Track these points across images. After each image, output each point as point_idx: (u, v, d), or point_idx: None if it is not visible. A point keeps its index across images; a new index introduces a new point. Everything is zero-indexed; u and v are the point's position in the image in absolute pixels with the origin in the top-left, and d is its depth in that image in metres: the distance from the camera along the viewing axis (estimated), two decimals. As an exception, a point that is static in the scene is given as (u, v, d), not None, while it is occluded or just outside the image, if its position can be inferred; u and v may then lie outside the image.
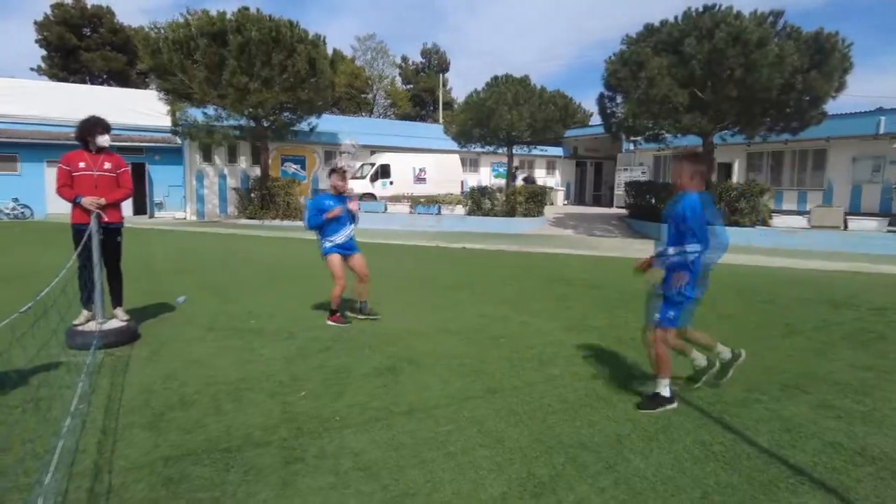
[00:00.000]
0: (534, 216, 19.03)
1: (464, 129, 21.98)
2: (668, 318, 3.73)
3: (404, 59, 56.39)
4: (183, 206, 24.16)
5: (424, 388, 4.10)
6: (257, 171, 23.15)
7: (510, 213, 18.59)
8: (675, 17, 15.38)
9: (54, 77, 40.14)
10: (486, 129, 21.19)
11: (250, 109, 19.75)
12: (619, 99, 17.21)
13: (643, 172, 25.61)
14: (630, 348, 5.12)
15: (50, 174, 22.50)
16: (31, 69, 42.14)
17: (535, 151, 27.19)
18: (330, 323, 5.78)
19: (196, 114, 20.62)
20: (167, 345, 4.98)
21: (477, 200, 19.16)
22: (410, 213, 19.86)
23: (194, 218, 23.69)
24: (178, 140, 22.92)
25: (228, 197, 24.28)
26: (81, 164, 5.03)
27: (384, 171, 23.99)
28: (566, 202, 31.03)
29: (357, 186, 23.41)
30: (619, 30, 76.81)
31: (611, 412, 3.69)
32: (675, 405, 3.73)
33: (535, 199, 19.23)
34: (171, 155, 24.54)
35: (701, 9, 14.88)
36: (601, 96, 17.65)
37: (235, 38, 18.45)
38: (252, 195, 21.83)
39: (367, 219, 19.69)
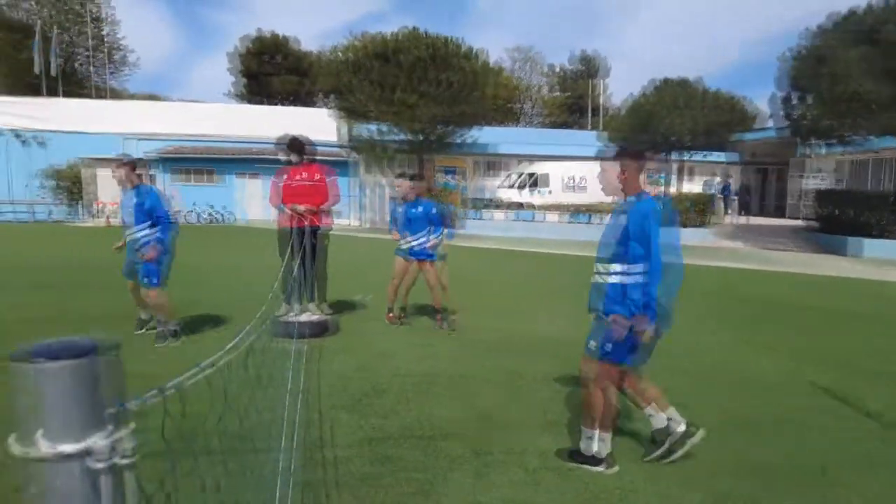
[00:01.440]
0: (698, 226, 17.86)
1: (624, 135, 21.34)
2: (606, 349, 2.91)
3: (557, 66, 56.09)
4: (349, 214, 26.29)
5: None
6: (416, 181, 24.45)
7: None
8: (869, 4, 13.58)
9: (243, 100, 45.95)
10: (646, 134, 20.40)
11: (415, 124, 20.93)
12: (796, 99, 15.62)
13: (822, 179, 22.88)
14: (832, 371, 4.65)
15: (240, 185, 25.83)
16: (224, 94, 48.80)
17: (697, 157, 25.56)
18: (386, 321, 6.10)
19: (365, 130, 22.37)
20: (356, 338, 5.50)
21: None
22: (562, 222, 19.69)
23: (358, 225, 25.67)
24: (347, 154, 25.01)
25: (390, 206, 25.96)
26: (286, 176, 5.80)
27: (537, 180, 24.00)
28: (741, 212, 28.34)
29: (505, 195, 23.75)
30: (790, 23, 69.32)
31: (812, 437, 3.40)
32: (601, 469, 2.93)
33: (700, 208, 18.06)
34: (340, 168, 26.84)
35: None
36: (776, 97, 16.17)
37: (405, 57, 19.74)
38: (410, 204, 23.10)
39: (517, 228, 19.99)
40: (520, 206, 22.70)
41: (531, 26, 77.48)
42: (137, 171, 5.09)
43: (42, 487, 0.53)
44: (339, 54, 21.24)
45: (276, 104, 44.18)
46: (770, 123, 23.38)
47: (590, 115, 46.16)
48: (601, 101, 47.06)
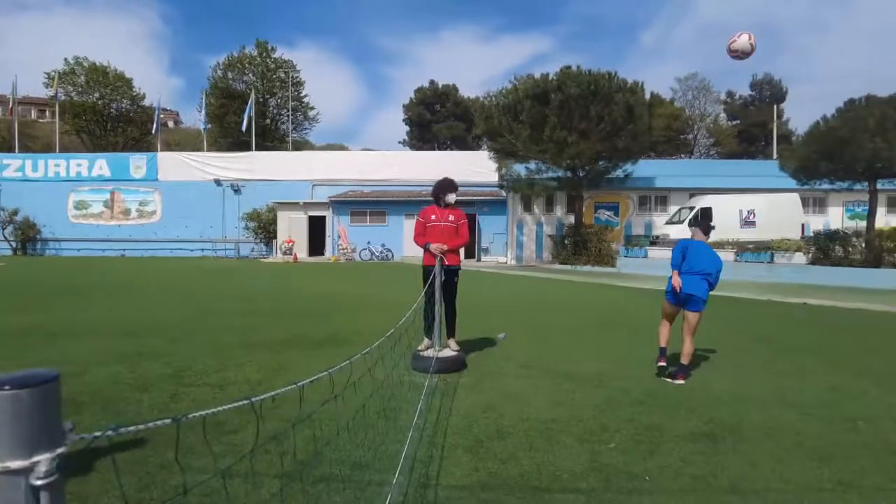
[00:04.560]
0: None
1: (806, 164, 18.95)
2: None
3: (730, 94, 52.10)
4: (504, 251, 26.64)
5: (751, 464, 3.55)
6: (572, 218, 24.13)
7: (874, 262, 15.09)
8: None
9: (413, 147, 49.51)
10: (837, 162, 17.86)
11: (568, 161, 20.81)
12: None
13: None
14: None
15: (408, 225, 27.65)
16: (398, 142, 53.24)
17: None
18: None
19: (519, 169, 22.75)
20: (488, 377, 5.47)
21: (824, 247, 16.16)
22: (735, 261, 17.87)
23: (513, 262, 25.85)
24: (503, 193, 25.54)
25: (544, 243, 25.83)
26: (433, 217, 6.04)
27: (704, 215, 22.24)
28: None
29: (673, 232, 22.26)
30: None
31: None
32: None
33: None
34: (497, 206, 27.51)
35: None
36: None
37: (556, 96, 19.84)
38: (566, 242, 22.76)
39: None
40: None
41: (703, 55, 73.15)
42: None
43: (-7, 497, 0.62)
44: (493, 98, 22.23)
45: (443, 149, 46.91)
46: None
47: (775, 142, 41.91)
48: (774, 128, 42.63)
